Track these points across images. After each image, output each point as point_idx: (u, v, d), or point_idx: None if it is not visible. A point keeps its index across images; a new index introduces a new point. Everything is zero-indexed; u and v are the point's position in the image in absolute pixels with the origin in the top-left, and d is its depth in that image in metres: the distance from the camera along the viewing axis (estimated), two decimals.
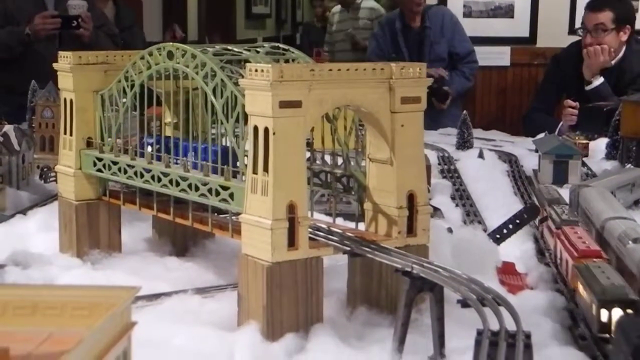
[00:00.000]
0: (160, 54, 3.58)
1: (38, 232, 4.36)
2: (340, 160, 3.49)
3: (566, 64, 8.40)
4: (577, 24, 9.50)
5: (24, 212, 4.79)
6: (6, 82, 8.08)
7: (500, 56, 10.99)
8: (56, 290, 1.83)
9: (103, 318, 1.65)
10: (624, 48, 8.05)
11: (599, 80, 7.87)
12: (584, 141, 7.05)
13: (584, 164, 5.99)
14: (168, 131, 3.87)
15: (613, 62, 8.01)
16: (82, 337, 1.55)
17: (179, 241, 4.10)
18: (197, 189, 3.38)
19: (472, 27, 10.30)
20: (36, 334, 1.68)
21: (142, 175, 3.64)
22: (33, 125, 5.92)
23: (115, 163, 3.78)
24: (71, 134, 3.95)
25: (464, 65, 9.44)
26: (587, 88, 7.85)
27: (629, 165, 5.79)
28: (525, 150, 6.88)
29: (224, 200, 3.26)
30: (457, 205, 5.14)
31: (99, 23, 8.33)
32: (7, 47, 8.09)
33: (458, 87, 9.28)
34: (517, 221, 4.14)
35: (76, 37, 7.97)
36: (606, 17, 8.01)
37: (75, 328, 1.67)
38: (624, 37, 8.01)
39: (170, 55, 3.53)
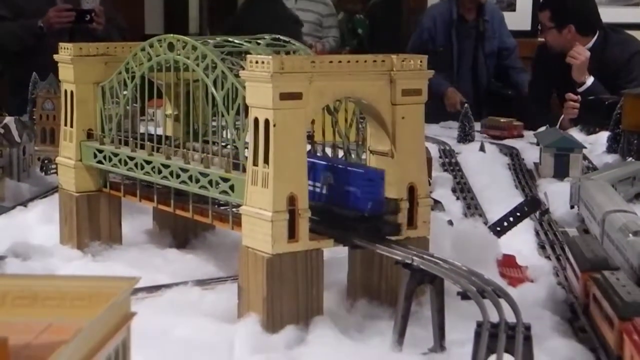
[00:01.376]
0: (161, 46, 3.57)
1: (38, 223, 4.36)
2: (341, 153, 3.49)
3: (553, 57, 8.35)
4: None
5: (24, 204, 4.79)
6: (18, 76, 8.08)
7: None
8: (56, 280, 1.83)
9: (102, 308, 1.65)
10: (591, 42, 7.99)
11: (590, 80, 7.85)
12: (518, 123, 7.20)
13: (585, 157, 5.99)
14: (169, 124, 3.86)
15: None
16: (81, 328, 1.55)
17: (180, 233, 4.11)
18: (197, 180, 3.38)
19: None
20: (35, 324, 1.67)
21: (142, 167, 3.64)
22: (34, 117, 5.92)
23: (115, 155, 3.78)
24: (72, 126, 3.95)
25: (515, 60, 9.38)
26: (580, 90, 7.84)
27: (630, 158, 5.78)
28: (526, 143, 6.88)
29: (225, 192, 3.26)
30: (458, 198, 5.14)
31: (109, 16, 8.33)
32: (20, 39, 8.07)
33: (525, 82, 9.11)
34: (518, 214, 4.14)
35: (88, 31, 7.97)
36: (544, 16, 8.14)
37: (75, 318, 1.67)
38: (569, 35, 8.01)
39: (171, 47, 3.53)
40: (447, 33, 9.19)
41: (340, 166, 3.20)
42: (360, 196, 3.03)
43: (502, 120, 7.41)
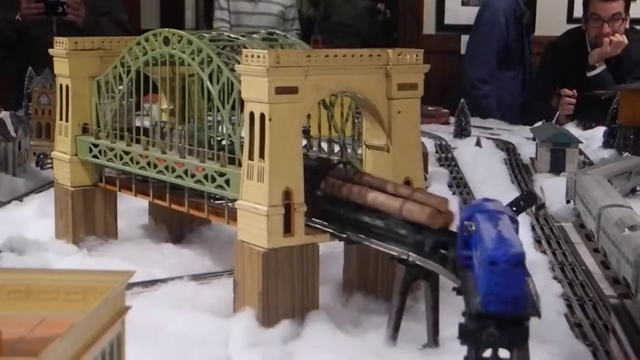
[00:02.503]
0: (156, 40, 3.56)
1: (34, 218, 4.36)
2: (337, 147, 3.49)
3: (565, 53, 8.39)
4: (576, 14, 9.48)
5: (20, 198, 4.79)
6: (9, 70, 8.07)
7: None
8: (50, 274, 1.83)
9: (96, 303, 1.65)
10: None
11: (602, 66, 7.88)
12: (445, 110, 7.40)
13: (581, 152, 5.99)
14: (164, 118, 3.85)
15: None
16: (75, 322, 1.54)
17: (176, 228, 4.10)
18: (192, 175, 3.37)
19: (471, 16, 10.26)
20: (30, 318, 1.67)
21: (137, 162, 3.63)
22: (29, 112, 5.91)
23: (111, 149, 3.77)
24: (67, 120, 3.94)
25: None
26: (590, 74, 7.86)
27: (626, 153, 5.78)
28: (522, 138, 6.88)
29: (220, 186, 3.26)
30: (454, 193, 5.14)
31: (104, 10, 8.29)
32: (1, 33, 8.08)
33: None
34: (514, 209, 4.12)
35: (69, 23, 7.95)
36: (620, 5, 8.10)
37: (69, 312, 1.67)
38: (626, 23, 8.09)
39: (166, 41, 3.52)
40: (519, 28, 9.18)
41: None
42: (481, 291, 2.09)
43: (429, 107, 7.55)
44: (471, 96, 9.05)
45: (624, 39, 7.96)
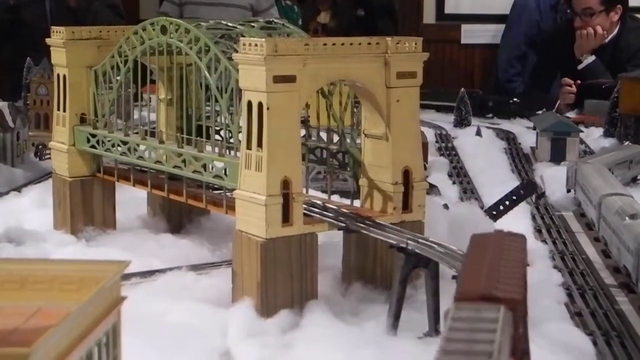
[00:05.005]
0: (153, 29, 3.54)
1: (32, 209, 4.34)
2: (336, 137, 3.47)
3: (556, 44, 8.36)
4: None
5: (18, 189, 4.77)
6: (5, 58, 8.06)
7: (498, 34, 10.90)
8: (45, 264, 1.81)
9: (92, 292, 1.63)
10: (618, 26, 8.03)
11: (591, 58, 7.87)
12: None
13: (581, 141, 5.98)
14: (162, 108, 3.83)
15: (607, 39, 8.00)
16: (70, 312, 1.53)
17: (174, 218, 4.08)
18: (191, 164, 3.35)
19: (471, 5, 10.24)
20: (24, 308, 1.66)
21: (135, 151, 3.61)
22: (28, 102, 5.89)
23: (109, 139, 3.75)
24: (64, 110, 3.92)
25: None
26: (579, 67, 7.86)
27: (627, 142, 5.77)
28: (523, 127, 6.86)
29: (218, 176, 3.24)
30: (454, 182, 5.12)
31: None
32: None
33: None
34: (514, 198, 4.12)
35: (62, 3, 7.92)
36: (593, 1, 8.04)
37: (64, 302, 1.65)
38: (615, 17, 7.99)
39: (163, 30, 3.50)
40: (553, 14, 9.17)
41: None
42: None
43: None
44: (499, 79, 9.04)
45: (599, 32, 7.87)
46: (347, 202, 3.45)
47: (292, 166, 2.99)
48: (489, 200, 4.44)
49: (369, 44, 3.13)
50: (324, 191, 3.75)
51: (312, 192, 3.56)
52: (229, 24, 3.56)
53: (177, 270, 3.38)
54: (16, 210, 4.34)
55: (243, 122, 3.04)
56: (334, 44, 3.06)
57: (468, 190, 4.94)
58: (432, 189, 4.41)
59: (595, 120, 6.75)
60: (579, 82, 7.83)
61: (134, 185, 3.77)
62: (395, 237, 2.94)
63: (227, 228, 3.61)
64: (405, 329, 2.84)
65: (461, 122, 6.78)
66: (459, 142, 6.23)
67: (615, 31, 8.01)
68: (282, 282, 2.99)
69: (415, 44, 3.22)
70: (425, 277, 2.87)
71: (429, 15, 10.87)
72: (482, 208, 4.21)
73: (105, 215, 3.98)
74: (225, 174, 3.21)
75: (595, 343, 2.88)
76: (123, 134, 3.70)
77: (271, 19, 3.67)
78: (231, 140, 3.27)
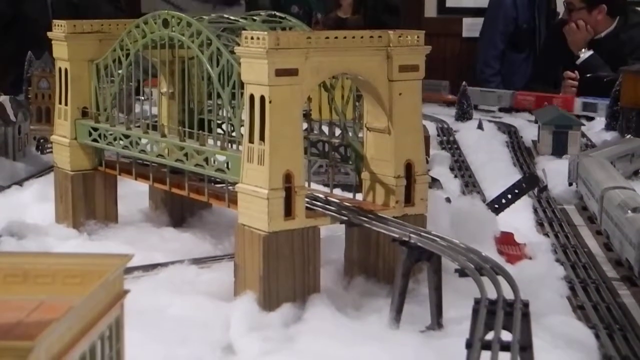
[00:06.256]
0: (155, 23, 3.53)
1: (34, 202, 4.34)
2: (338, 130, 3.46)
3: (559, 38, 8.38)
4: None
5: (20, 183, 4.77)
6: (7, 52, 8.06)
7: None
8: (48, 258, 1.81)
9: (94, 286, 1.63)
10: (614, 23, 8.00)
11: (588, 53, 7.88)
12: None
13: (583, 135, 5.98)
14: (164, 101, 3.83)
15: (602, 34, 7.99)
16: (72, 305, 1.52)
17: (176, 212, 4.08)
18: (193, 158, 3.35)
19: None
20: (27, 302, 1.65)
21: (137, 145, 3.61)
22: (29, 96, 5.89)
23: (110, 133, 3.74)
24: (66, 104, 3.91)
25: None
26: (577, 62, 7.88)
27: (629, 135, 5.76)
28: (524, 121, 6.86)
29: (220, 169, 3.24)
30: (456, 176, 5.12)
31: None
32: None
33: None
34: (516, 191, 4.12)
35: None
36: None
37: (67, 296, 1.65)
38: (600, 15, 7.99)
39: (165, 24, 3.49)
40: (531, 10, 9.14)
41: None
42: None
43: None
44: (479, 79, 9.05)
45: (580, 25, 7.88)
46: (349, 195, 3.44)
47: (295, 160, 2.98)
48: (491, 193, 4.44)
49: (371, 37, 3.13)
50: (326, 185, 3.75)
51: (314, 185, 3.56)
52: (231, 17, 3.56)
53: (180, 264, 3.37)
54: (18, 204, 4.34)
55: (245, 115, 3.04)
56: (336, 37, 3.05)
57: (470, 184, 4.94)
58: (434, 182, 4.40)
59: None
60: (576, 75, 7.84)
61: (135, 179, 3.77)
62: (397, 230, 2.94)
63: (229, 222, 3.61)
64: (407, 322, 2.84)
65: (463, 116, 6.78)
66: (460, 135, 6.23)
67: (613, 27, 7.99)
68: (284, 275, 2.99)
69: (418, 37, 3.21)
70: (427, 270, 2.86)
71: (430, 9, 10.84)
72: (484, 201, 4.21)
73: (107, 208, 3.98)
74: (227, 167, 3.20)
75: (597, 336, 2.88)
76: (125, 128, 3.69)
77: (273, 12, 3.66)
78: (233, 134, 3.26)
